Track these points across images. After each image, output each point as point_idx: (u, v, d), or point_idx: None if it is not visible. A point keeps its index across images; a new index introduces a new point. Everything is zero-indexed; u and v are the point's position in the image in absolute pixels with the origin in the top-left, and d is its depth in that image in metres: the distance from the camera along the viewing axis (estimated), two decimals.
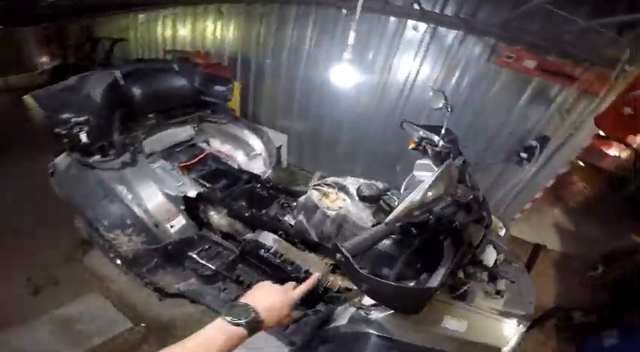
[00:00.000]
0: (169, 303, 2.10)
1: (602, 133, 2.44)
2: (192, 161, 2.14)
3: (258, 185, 2.08)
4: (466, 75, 2.84)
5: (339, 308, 1.53)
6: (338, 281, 1.74)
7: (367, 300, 1.34)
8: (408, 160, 3.09)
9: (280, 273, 1.71)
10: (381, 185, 1.63)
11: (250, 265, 1.95)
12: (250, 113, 3.87)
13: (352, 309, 1.38)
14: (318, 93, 3.37)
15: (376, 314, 1.22)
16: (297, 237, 1.61)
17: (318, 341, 1.43)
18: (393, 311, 1.18)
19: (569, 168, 2.78)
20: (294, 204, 1.83)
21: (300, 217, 1.56)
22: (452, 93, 2.83)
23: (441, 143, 1.51)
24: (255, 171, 2.32)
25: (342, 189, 1.59)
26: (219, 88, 2.42)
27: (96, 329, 2.01)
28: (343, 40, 2.51)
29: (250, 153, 2.38)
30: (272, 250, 1.67)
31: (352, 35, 1.97)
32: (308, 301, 1.93)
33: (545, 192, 2.85)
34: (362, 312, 1.28)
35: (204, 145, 2.33)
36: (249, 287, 2.00)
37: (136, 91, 1.92)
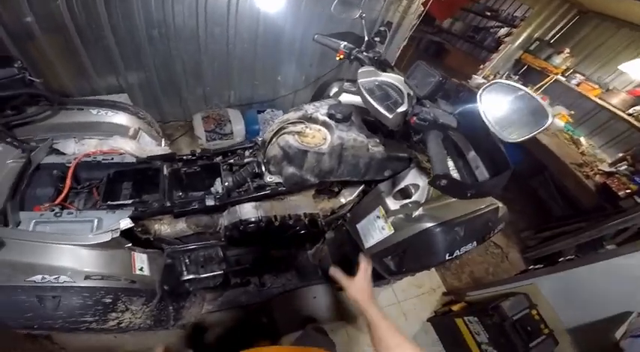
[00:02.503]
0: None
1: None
2: (67, 186, 1.35)
3: (181, 164, 1.55)
4: None
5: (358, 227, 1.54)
6: (328, 205, 1.73)
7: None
8: (287, 68, 2.88)
9: (283, 232, 1.57)
10: (335, 101, 1.49)
11: (243, 243, 1.70)
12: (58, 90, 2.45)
13: (381, 221, 1.40)
14: (146, 28, 2.34)
15: (415, 211, 1.29)
16: (292, 190, 1.40)
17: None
18: (423, 201, 1.29)
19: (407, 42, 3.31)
20: (249, 160, 1.51)
21: (290, 169, 1.31)
22: None
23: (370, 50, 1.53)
24: (151, 150, 1.71)
25: (310, 120, 1.35)
26: (1, 71, 1.37)
27: None
28: None
29: (129, 133, 1.66)
30: (262, 217, 1.45)
31: None
32: (314, 237, 1.91)
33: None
34: (399, 216, 1.34)
35: (56, 158, 1.46)
36: (257, 264, 1.82)
37: None
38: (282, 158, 1.30)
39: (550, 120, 0.78)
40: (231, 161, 1.55)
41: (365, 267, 1.13)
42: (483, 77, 4.46)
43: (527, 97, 0.84)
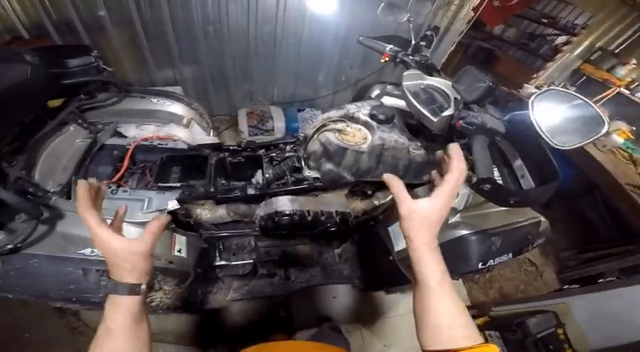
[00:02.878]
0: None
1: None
2: (124, 166, 1.49)
3: (227, 153, 1.64)
4: None
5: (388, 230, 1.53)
6: (360, 206, 1.73)
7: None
8: (329, 68, 2.93)
9: (314, 228, 1.60)
10: (378, 102, 1.50)
11: (275, 235, 1.76)
12: (121, 79, 2.70)
13: None
14: (202, 25, 2.49)
15: (452, 218, 1.27)
16: (329, 186, 1.44)
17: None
18: (461, 208, 1.26)
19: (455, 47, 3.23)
20: (289, 154, 1.56)
21: (328, 166, 1.34)
22: None
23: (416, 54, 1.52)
24: (201, 139, 1.82)
25: (352, 119, 1.37)
26: (80, 60, 1.55)
27: None
28: None
29: (183, 122, 1.78)
30: (296, 211, 1.50)
31: None
32: (344, 235, 1.92)
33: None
34: None
35: (118, 141, 1.61)
36: (286, 257, 1.88)
37: None
38: (322, 154, 1.34)
39: (606, 128, 0.74)
40: (273, 154, 1.61)
41: (457, 178, 0.64)
42: (536, 87, 4.20)
43: (583, 105, 0.80)
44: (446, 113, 1.14)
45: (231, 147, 1.65)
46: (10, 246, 0.96)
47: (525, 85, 4.19)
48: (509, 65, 6.49)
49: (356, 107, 1.41)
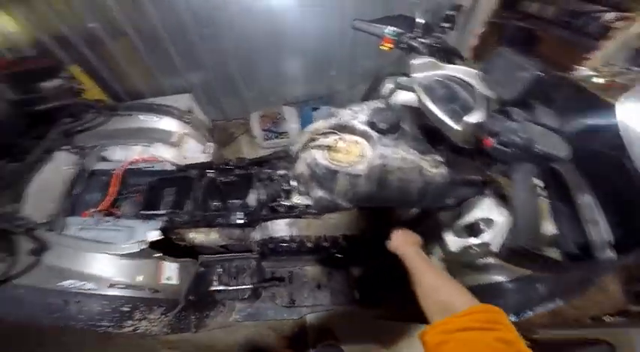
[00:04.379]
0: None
1: None
2: (109, 195, 1.33)
3: (217, 173, 1.42)
4: None
5: None
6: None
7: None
8: (341, 62, 2.58)
9: (316, 253, 1.35)
10: (381, 103, 1.15)
11: (278, 259, 1.56)
12: (123, 91, 2.61)
13: (434, 261, 1.13)
14: (196, 28, 2.27)
15: (482, 257, 0.93)
16: (324, 213, 1.16)
17: None
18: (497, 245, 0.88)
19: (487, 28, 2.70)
20: (282, 171, 1.30)
21: (319, 193, 1.05)
22: None
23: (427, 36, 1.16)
24: (193, 157, 1.63)
25: (345, 129, 1.06)
26: (50, 83, 1.47)
27: None
28: None
29: (171, 139, 1.59)
30: (294, 238, 1.34)
31: None
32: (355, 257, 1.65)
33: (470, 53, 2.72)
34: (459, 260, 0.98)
35: (104, 165, 1.47)
36: (291, 279, 1.66)
37: None
38: (310, 177, 1.06)
39: None
40: (268, 171, 1.36)
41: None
42: (593, 69, 3.40)
43: None
44: (471, 118, 0.78)
45: (221, 166, 1.43)
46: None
47: (577, 66, 3.41)
48: (551, 46, 5.46)
49: (351, 113, 1.09)
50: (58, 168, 1.37)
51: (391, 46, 1.19)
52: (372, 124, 1.02)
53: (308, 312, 1.72)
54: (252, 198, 1.33)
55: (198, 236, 1.42)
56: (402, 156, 0.98)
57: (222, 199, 1.47)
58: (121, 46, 2.24)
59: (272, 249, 1.38)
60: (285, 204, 1.19)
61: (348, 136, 1.04)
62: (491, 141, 0.69)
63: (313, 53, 2.52)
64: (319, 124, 1.08)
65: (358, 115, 1.07)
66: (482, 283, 0.92)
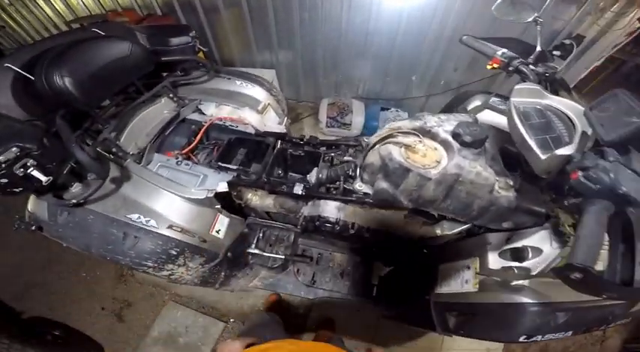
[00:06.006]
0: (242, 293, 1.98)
1: None
2: (195, 141, 1.52)
3: (289, 145, 1.53)
4: None
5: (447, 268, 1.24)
6: (418, 230, 1.45)
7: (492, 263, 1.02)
8: (426, 69, 2.55)
9: (356, 241, 1.40)
10: (470, 118, 1.14)
11: (316, 238, 1.64)
12: (219, 58, 2.89)
13: (469, 274, 1.11)
14: (299, 11, 2.41)
15: (517, 280, 0.93)
16: (379, 205, 1.20)
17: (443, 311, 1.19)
18: (536, 272, 0.89)
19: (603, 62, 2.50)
20: (347, 158, 1.36)
21: (383, 184, 1.09)
22: None
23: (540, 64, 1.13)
24: (271, 126, 1.76)
25: (428, 134, 1.08)
26: (179, 39, 1.61)
27: (197, 338, 1.95)
28: None
29: (258, 107, 1.74)
30: (340, 221, 1.35)
31: None
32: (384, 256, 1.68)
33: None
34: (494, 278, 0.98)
35: (197, 117, 1.66)
36: (318, 261, 1.74)
37: (62, 81, 1.00)
38: (379, 169, 1.10)
39: None
40: (332, 154, 1.44)
41: None
42: None
43: None
44: (562, 151, 0.78)
45: (294, 140, 1.54)
46: (74, 201, 1.05)
47: None
48: None
49: (438, 120, 1.10)
50: (160, 111, 1.56)
51: (497, 66, 1.17)
52: (456, 135, 1.02)
53: (324, 295, 1.77)
54: (312, 175, 1.42)
55: (254, 198, 1.53)
56: (477, 171, 0.98)
57: (286, 169, 1.61)
58: (232, 15, 2.48)
59: (316, 226, 1.43)
60: (345, 187, 1.25)
61: (428, 141, 1.06)
62: (578, 175, 0.68)
63: (400, 55, 2.52)
64: (403, 123, 1.11)
65: (444, 124, 1.08)
66: (506, 301, 0.92)
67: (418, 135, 1.08)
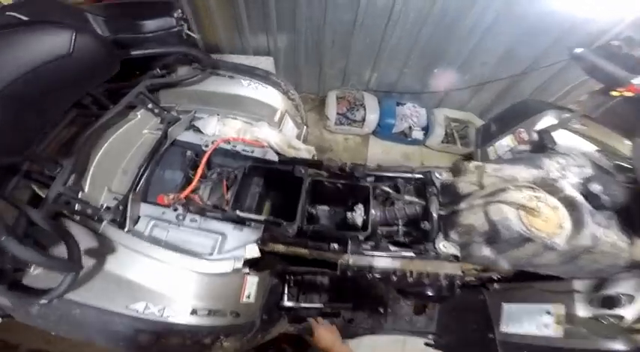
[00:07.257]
0: None
1: None
2: (196, 178, 1.07)
3: (325, 174, 1.17)
4: None
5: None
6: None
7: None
8: (451, 61, 2.20)
9: (409, 288, 1.15)
10: (586, 161, 0.87)
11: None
12: (202, 45, 2.28)
13: (549, 319, 0.98)
14: None
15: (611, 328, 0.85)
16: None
17: None
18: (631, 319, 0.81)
19: None
20: (411, 199, 1.05)
21: (485, 252, 0.82)
22: None
23: None
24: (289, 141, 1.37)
25: (548, 188, 0.80)
26: (157, 22, 1.14)
27: None
28: None
29: (274, 117, 1.33)
30: (396, 271, 1.07)
31: None
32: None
33: None
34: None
35: (193, 137, 1.20)
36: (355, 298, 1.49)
37: None
38: (484, 234, 0.81)
39: None
40: (385, 189, 1.11)
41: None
42: None
43: None
44: None
45: (332, 168, 1.17)
46: (44, 301, 0.71)
47: None
48: None
49: (559, 167, 0.81)
50: (136, 131, 1.13)
51: (630, 94, 0.86)
52: (590, 195, 0.75)
53: (362, 334, 1.55)
54: (357, 215, 1.10)
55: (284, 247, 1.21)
56: (612, 241, 0.76)
57: (325, 202, 1.24)
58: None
59: (365, 276, 1.17)
60: (408, 230, 1.00)
61: (549, 198, 0.78)
62: None
63: (424, 44, 2.16)
64: (520, 173, 0.81)
65: (567, 173, 0.80)
66: (602, 349, 0.86)
67: (536, 189, 0.78)
